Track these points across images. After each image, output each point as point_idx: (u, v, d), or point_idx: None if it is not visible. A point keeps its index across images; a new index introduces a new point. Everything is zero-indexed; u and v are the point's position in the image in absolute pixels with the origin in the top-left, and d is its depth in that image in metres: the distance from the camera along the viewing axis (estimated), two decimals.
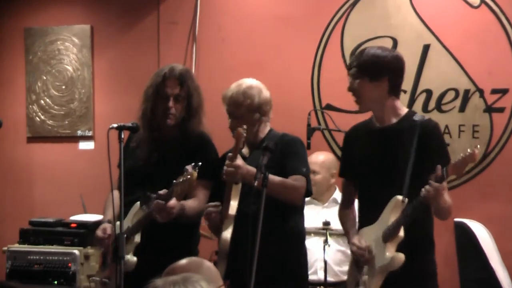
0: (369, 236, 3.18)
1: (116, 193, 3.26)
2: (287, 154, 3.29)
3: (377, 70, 3.14)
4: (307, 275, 3.47)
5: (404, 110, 3.24)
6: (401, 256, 3.02)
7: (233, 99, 3.33)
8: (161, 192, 3.11)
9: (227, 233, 3.22)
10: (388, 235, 3.06)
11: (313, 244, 4.10)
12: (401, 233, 3.04)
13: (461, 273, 4.68)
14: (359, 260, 3.18)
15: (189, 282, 1.77)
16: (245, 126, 3.17)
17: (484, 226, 4.73)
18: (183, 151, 3.34)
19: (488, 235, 4.69)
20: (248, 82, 3.39)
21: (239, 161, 3.16)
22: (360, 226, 3.29)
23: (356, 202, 3.41)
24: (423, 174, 3.04)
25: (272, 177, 3.04)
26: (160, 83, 3.36)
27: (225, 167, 3.17)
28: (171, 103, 3.33)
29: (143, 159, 3.41)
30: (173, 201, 3.08)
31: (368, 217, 3.21)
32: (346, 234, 3.36)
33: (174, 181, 3.03)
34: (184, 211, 3.18)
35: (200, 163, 3.00)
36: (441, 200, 2.97)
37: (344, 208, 3.40)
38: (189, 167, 2.99)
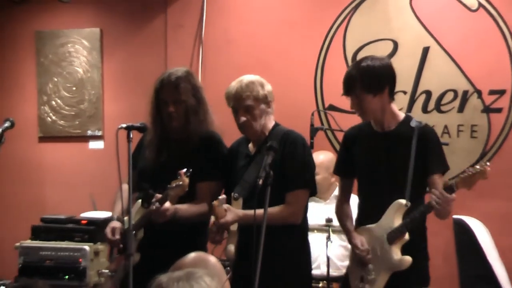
0: (370, 235, 3.32)
1: (125, 187, 3.37)
2: (287, 160, 3.31)
3: (379, 84, 3.21)
4: (310, 270, 3.53)
5: (401, 115, 3.34)
6: (409, 259, 3.17)
7: (238, 93, 3.35)
8: (158, 195, 3.25)
9: (231, 247, 3.33)
10: (394, 237, 3.20)
11: (316, 240, 4.13)
12: (407, 236, 3.19)
13: (460, 269, 4.73)
14: (362, 259, 3.31)
15: (193, 278, 1.79)
16: (221, 197, 3.29)
17: (482, 223, 4.78)
18: (188, 151, 3.44)
19: (486, 232, 4.73)
20: (248, 76, 3.43)
21: (229, 216, 3.26)
22: (359, 224, 3.42)
23: (354, 198, 3.53)
24: (422, 178, 3.23)
25: (267, 215, 2.84)
26: (159, 89, 3.50)
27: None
28: (171, 108, 3.44)
29: (152, 159, 3.53)
30: (167, 205, 3.23)
31: (369, 216, 3.33)
32: (346, 232, 3.45)
33: (168, 185, 3.18)
34: (177, 214, 3.30)
35: (191, 170, 3.15)
36: (449, 209, 3.11)
37: (342, 204, 3.49)
38: (181, 172, 3.15)
